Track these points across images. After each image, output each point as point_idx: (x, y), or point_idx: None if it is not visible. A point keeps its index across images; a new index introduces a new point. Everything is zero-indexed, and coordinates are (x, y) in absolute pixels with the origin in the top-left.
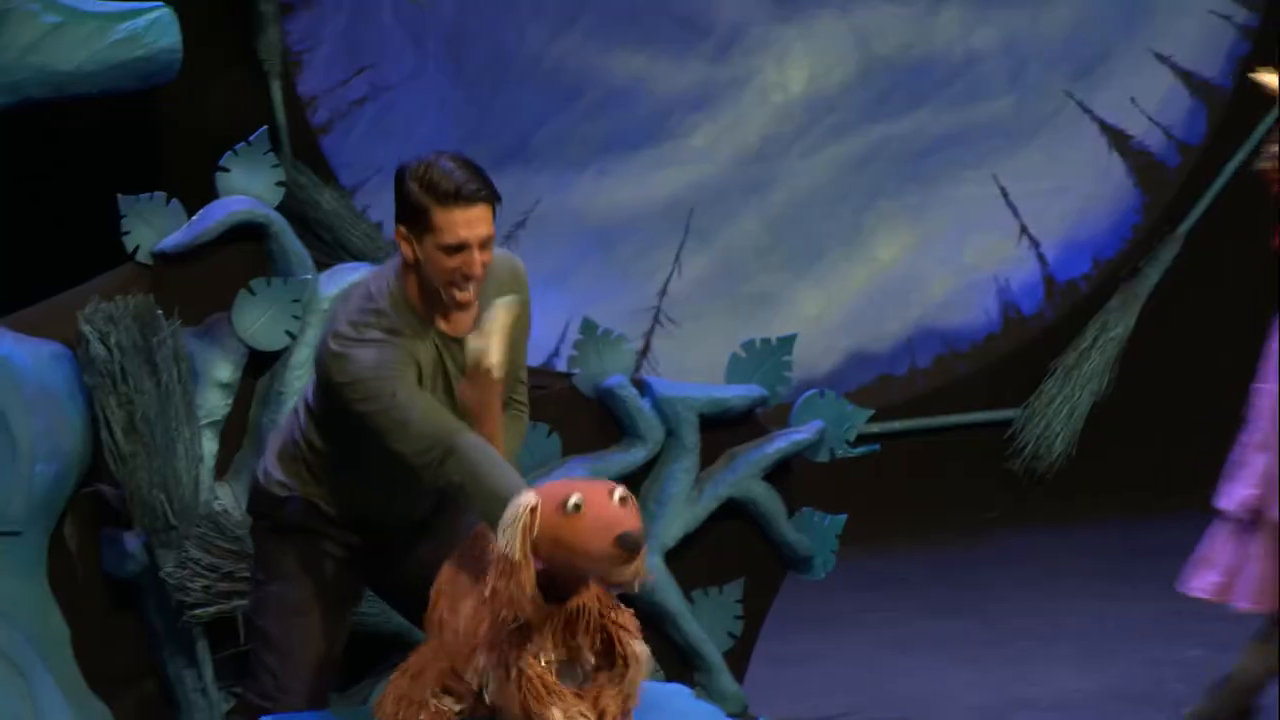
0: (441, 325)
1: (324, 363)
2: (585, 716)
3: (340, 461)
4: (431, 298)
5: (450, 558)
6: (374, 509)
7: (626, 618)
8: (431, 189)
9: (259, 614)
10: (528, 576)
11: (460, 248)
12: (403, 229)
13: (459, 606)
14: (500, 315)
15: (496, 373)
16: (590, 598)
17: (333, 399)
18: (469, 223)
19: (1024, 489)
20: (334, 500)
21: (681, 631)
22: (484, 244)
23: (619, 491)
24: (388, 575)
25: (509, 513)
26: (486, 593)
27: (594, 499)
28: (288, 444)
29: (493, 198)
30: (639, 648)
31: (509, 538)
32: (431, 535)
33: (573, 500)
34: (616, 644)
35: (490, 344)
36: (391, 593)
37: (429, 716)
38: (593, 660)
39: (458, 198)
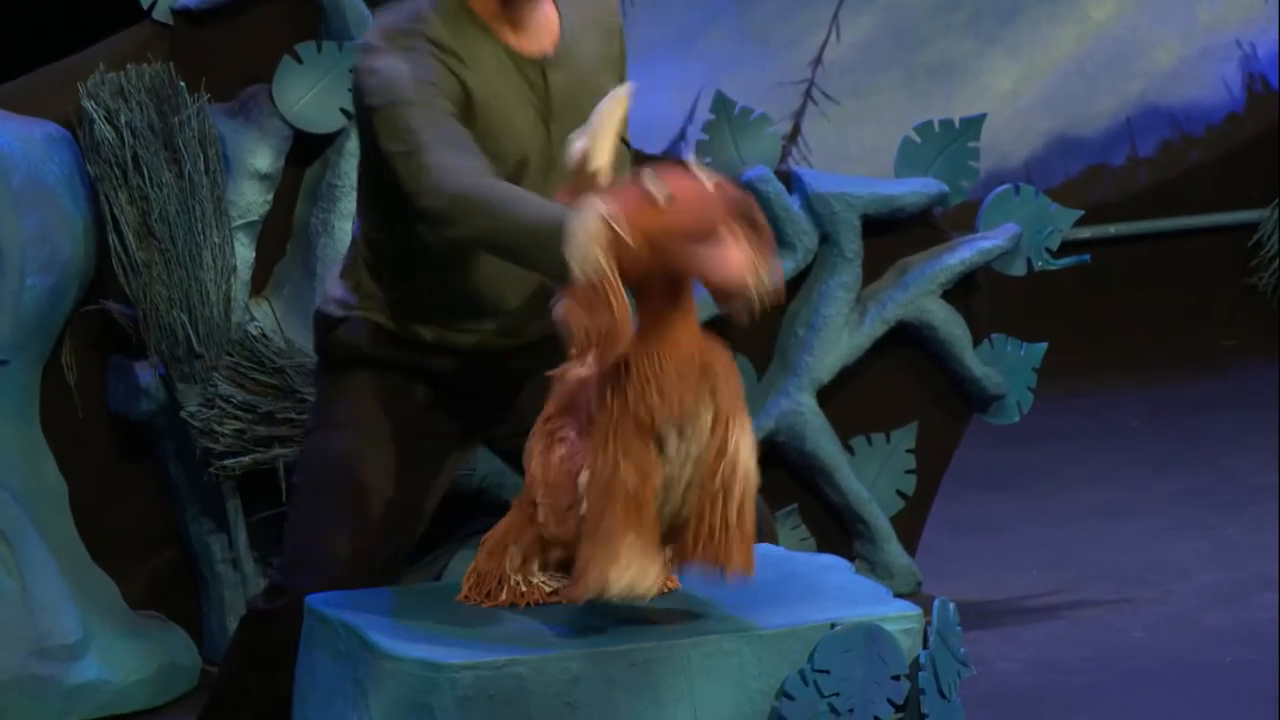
0: (510, 40)
1: (354, 87)
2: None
3: (393, 233)
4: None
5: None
6: (448, 305)
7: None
8: None
9: (296, 470)
10: (622, 299)
11: None
12: None
13: (549, 457)
14: (613, 109)
15: (605, 177)
16: (690, 333)
17: (366, 142)
18: None
19: (1271, 310)
20: (400, 307)
21: (839, 490)
22: None
23: (690, 161)
24: (499, 425)
25: (579, 228)
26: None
27: (678, 183)
28: (348, 248)
29: None
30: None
31: (589, 256)
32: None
33: (660, 192)
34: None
35: (597, 144)
36: (510, 453)
37: (512, 596)
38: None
39: None
